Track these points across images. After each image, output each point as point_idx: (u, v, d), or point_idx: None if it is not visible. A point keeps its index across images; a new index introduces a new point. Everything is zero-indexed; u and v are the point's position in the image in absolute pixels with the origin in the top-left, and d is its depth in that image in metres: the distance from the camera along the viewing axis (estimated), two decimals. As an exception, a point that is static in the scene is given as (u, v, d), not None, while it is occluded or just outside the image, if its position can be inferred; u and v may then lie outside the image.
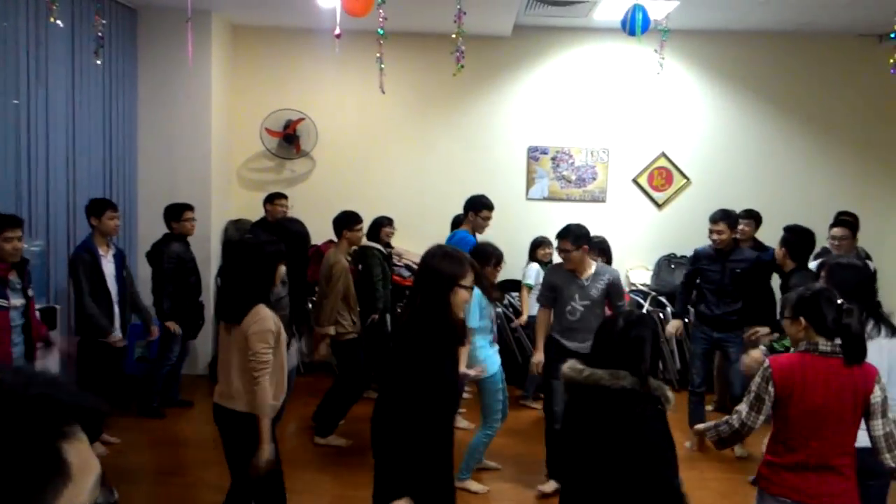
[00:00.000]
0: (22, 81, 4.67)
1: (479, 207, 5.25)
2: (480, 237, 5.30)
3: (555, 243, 4.45)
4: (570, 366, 2.29)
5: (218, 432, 3.04)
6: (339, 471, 4.48)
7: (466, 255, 2.68)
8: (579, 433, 2.28)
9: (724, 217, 4.95)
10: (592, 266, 4.23)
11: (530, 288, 5.91)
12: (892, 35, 4.37)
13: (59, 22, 3.75)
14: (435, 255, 2.50)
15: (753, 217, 5.68)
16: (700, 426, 2.73)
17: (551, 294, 4.27)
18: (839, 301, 2.49)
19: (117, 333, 4.66)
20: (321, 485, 4.34)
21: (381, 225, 5.88)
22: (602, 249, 5.22)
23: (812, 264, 4.88)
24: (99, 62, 5.02)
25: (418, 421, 2.34)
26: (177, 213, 5.26)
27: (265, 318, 2.89)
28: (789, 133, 6.94)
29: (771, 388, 2.45)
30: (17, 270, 3.83)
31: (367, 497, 2.57)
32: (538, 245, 6.05)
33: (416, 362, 2.38)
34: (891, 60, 4.48)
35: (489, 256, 4.21)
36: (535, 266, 5.94)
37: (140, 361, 5.64)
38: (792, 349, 2.62)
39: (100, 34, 4.64)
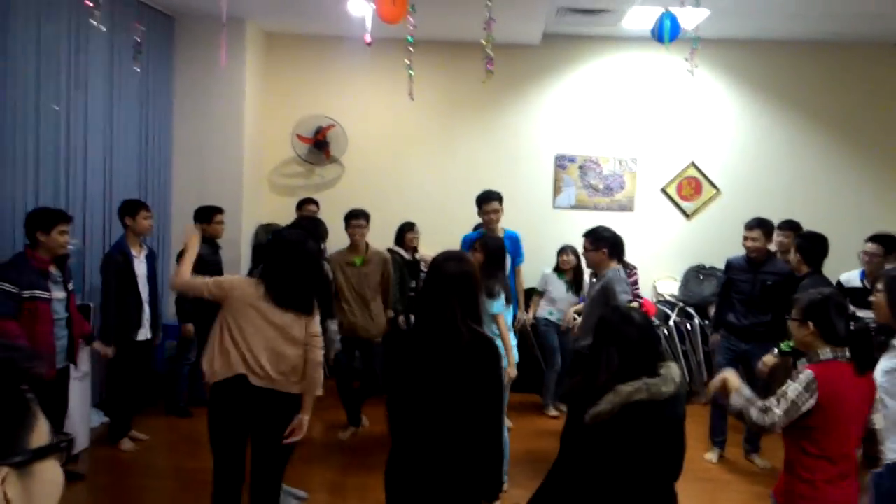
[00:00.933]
0: (62, 86, 4.81)
1: (478, 203, 5.18)
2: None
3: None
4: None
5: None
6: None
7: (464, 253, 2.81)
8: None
9: (759, 225, 4.85)
10: (609, 268, 4.28)
11: (539, 293, 6.03)
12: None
13: (101, 26, 3.85)
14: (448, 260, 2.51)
15: (793, 228, 5.38)
16: (734, 383, 2.54)
17: None
18: (850, 310, 2.49)
19: (111, 350, 4.66)
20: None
21: (405, 231, 6.01)
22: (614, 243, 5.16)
23: (845, 276, 4.80)
24: (137, 68, 5.15)
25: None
26: (207, 216, 5.37)
27: None
28: (820, 143, 6.85)
29: (812, 399, 2.37)
30: (58, 264, 3.94)
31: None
32: (559, 253, 6.03)
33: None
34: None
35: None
36: (547, 272, 6.03)
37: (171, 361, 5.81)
38: (804, 356, 2.61)
39: (138, 40, 4.77)
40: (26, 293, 3.72)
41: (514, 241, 5.25)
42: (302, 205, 6.22)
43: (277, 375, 3.13)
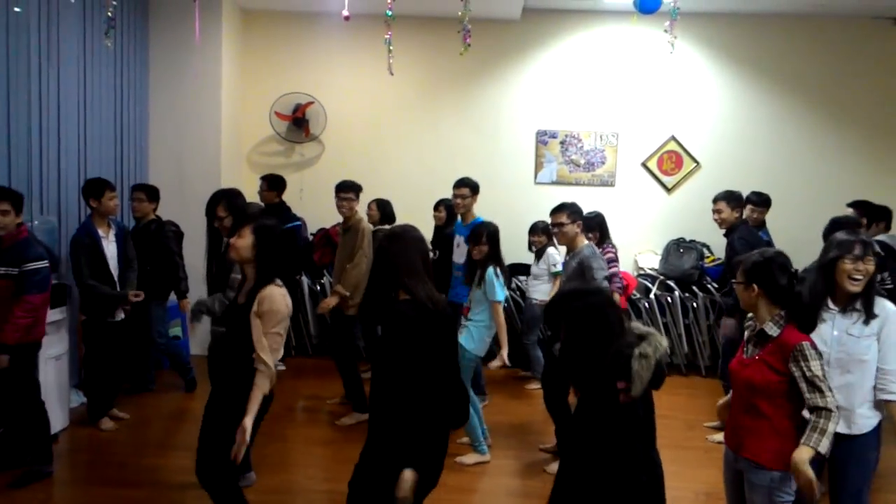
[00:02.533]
0: (34, 62, 4.72)
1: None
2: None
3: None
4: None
5: None
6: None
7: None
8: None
9: (723, 197, 4.99)
10: (583, 244, 4.26)
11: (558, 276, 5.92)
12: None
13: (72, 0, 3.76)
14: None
15: (757, 201, 5.67)
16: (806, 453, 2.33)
17: None
18: (793, 269, 2.48)
19: (120, 314, 4.71)
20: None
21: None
22: (598, 224, 5.25)
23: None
24: (109, 44, 5.05)
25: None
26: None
27: None
28: (801, 116, 6.88)
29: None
30: None
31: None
32: (530, 233, 5.97)
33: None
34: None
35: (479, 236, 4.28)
36: (554, 251, 5.80)
37: (174, 339, 5.98)
38: (749, 317, 2.62)
39: (110, 15, 4.67)
40: None
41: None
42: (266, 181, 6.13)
43: None
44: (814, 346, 2.40)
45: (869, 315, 2.67)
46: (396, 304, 2.44)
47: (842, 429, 2.63)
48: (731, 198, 4.99)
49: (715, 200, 5.03)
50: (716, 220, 5.02)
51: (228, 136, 6.59)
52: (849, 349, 2.69)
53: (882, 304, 2.72)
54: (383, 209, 5.88)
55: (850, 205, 5.15)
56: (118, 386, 5.00)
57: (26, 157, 4.67)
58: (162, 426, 4.95)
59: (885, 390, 2.67)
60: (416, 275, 2.44)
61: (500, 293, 4.16)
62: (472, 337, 4.22)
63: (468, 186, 5.06)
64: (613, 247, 5.32)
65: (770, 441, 2.45)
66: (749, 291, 2.52)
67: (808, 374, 2.36)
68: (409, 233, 2.54)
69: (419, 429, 2.34)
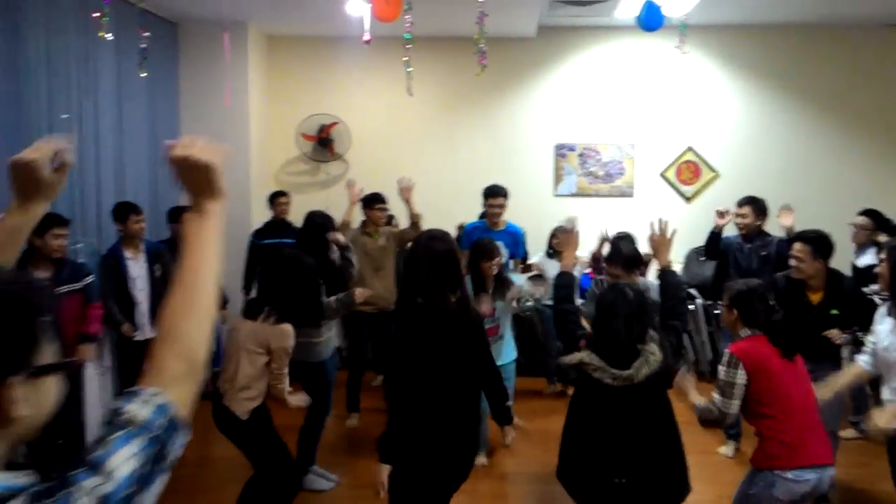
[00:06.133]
0: (73, 96, 4.99)
1: (484, 196, 5.33)
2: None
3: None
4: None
5: None
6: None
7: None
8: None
9: (749, 202, 5.04)
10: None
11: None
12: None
13: (108, 36, 4.00)
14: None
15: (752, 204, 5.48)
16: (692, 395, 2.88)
17: None
18: (771, 301, 2.74)
19: (127, 326, 4.76)
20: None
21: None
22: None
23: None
24: (143, 74, 5.31)
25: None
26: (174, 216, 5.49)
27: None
28: (818, 124, 6.93)
29: (741, 370, 2.70)
30: (58, 267, 4.10)
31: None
32: (552, 236, 6.00)
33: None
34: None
35: (483, 251, 4.10)
36: (539, 257, 6.01)
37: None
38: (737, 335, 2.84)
39: (143, 46, 4.92)
40: None
41: (514, 235, 5.38)
42: (274, 197, 6.25)
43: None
44: (731, 355, 2.69)
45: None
46: (413, 307, 2.60)
47: None
48: (756, 204, 5.02)
49: (740, 204, 5.05)
50: (738, 224, 5.04)
51: (257, 158, 6.83)
52: None
53: None
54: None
55: (861, 213, 5.19)
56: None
57: (68, 184, 4.91)
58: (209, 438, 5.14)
59: None
60: (439, 280, 2.58)
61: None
62: (510, 348, 4.29)
63: (505, 196, 5.25)
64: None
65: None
66: (730, 314, 2.82)
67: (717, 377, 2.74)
68: (439, 238, 2.69)
69: (403, 426, 2.52)
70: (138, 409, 0.95)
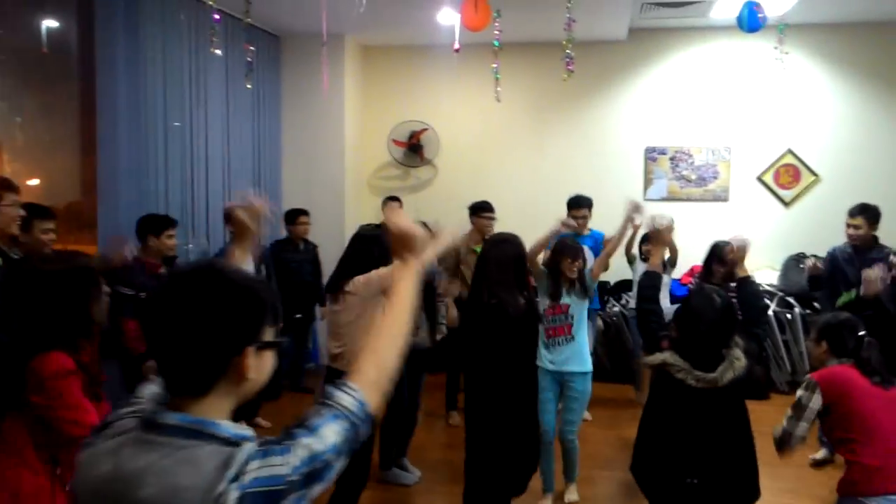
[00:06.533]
0: (186, 105, 5.41)
1: (568, 207, 5.44)
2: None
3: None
4: None
5: None
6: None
7: None
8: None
9: (861, 211, 4.65)
10: None
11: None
12: None
13: (218, 51, 4.32)
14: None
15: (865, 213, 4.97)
16: None
17: None
18: (861, 332, 2.65)
19: None
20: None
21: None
22: None
23: None
24: (249, 86, 5.68)
25: None
26: (291, 217, 5.85)
27: None
28: (930, 124, 6.53)
29: (817, 396, 2.65)
30: (168, 266, 4.39)
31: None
32: (642, 241, 5.78)
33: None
34: None
35: (566, 250, 3.95)
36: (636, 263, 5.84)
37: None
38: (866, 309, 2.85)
39: (249, 60, 5.27)
40: (142, 295, 4.12)
41: (597, 239, 5.41)
42: (295, 216, 6.08)
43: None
44: (812, 381, 2.64)
45: None
46: (483, 306, 2.71)
47: None
48: (869, 213, 4.62)
49: (852, 214, 4.67)
50: (851, 234, 4.65)
51: (351, 163, 7.13)
52: None
53: None
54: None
55: None
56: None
57: (180, 188, 5.34)
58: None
59: None
60: (505, 282, 2.69)
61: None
62: (586, 356, 3.95)
63: (588, 207, 5.41)
64: None
65: None
66: (819, 347, 2.78)
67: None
68: (508, 241, 2.80)
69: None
70: (344, 398, 1.21)
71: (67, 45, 4.97)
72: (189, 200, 5.46)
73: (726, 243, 4.79)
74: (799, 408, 2.64)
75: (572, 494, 4.11)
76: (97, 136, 4.62)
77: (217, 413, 1.16)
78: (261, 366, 1.21)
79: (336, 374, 3.35)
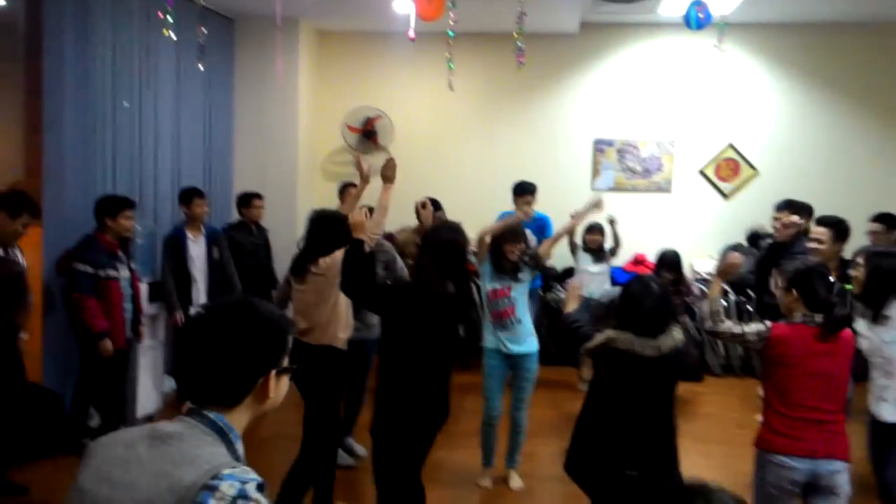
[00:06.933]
0: (135, 87, 5.34)
1: (513, 193, 5.57)
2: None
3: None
4: None
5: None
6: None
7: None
8: None
9: (787, 206, 4.94)
10: None
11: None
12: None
13: (172, 34, 4.27)
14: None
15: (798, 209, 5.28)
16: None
17: None
18: (831, 279, 2.73)
19: (179, 314, 5.08)
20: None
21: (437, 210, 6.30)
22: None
23: None
24: (201, 67, 5.62)
25: None
26: (244, 201, 5.88)
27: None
28: (861, 125, 6.89)
29: (760, 344, 2.75)
30: (122, 247, 4.42)
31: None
32: (587, 231, 6.15)
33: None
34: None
35: (508, 234, 4.02)
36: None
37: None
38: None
39: (201, 42, 5.22)
40: (101, 273, 4.21)
41: (540, 221, 5.64)
42: (248, 199, 6.12)
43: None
44: (767, 330, 2.71)
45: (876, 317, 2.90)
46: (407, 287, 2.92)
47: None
48: (794, 207, 4.88)
49: (780, 209, 4.95)
50: (777, 227, 4.85)
51: (304, 148, 7.13)
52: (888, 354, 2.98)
53: None
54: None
55: (874, 219, 5.03)
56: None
57: (128, 169, 5.28)
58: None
59: None
60: (433, 264, 2.80)
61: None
62: (531, 337, 4.09)
63: (531, 193, 5.53)
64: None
65: None
66: (789, 296, 2.75)
67: (752, 323, 2.86)
68: (446, 228, 2.92)
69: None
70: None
71: (14, 22, 4.84)
72: (137, 183, 5.40)
73: (673, 252, 5.11)
74: (743, 330, 2.78)
75: (516, 481, 4.25)
76: (43, 116, 4.52)
77: (237, 424, 1.35)
78: (279, 387, 1.41)
79: (305, 348, 3.50)
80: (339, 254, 3.30)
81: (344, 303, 3.56)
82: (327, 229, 3.58)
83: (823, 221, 4.17)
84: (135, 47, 5.31)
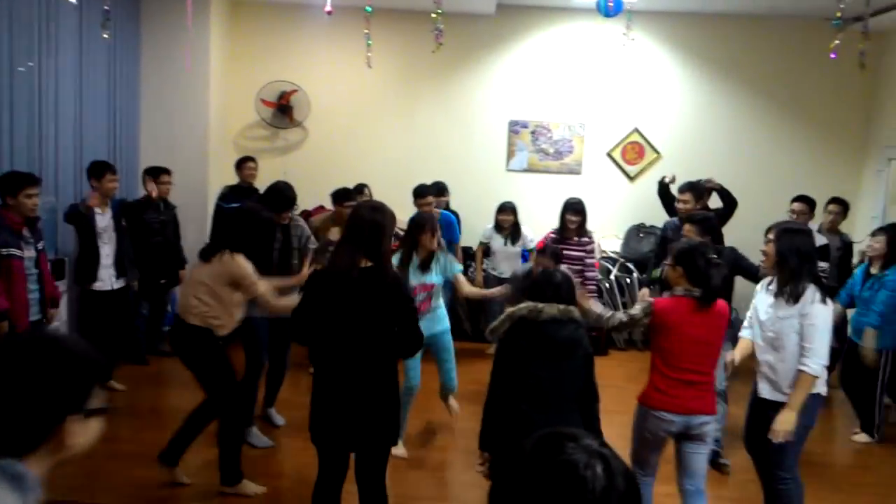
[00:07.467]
0: (34, 55, 5.04)
1: (413, 196, 5.53)
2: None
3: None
4: None
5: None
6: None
7: None
8: None
9: (689, 188, 5.24)
10: None
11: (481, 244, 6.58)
12: (836, 21, 4.74)
13: (73, 0, 4.07)
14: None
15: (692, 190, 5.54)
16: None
17: None
18: (712, 256, 3.07)
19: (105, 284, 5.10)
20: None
21: (359, 192, 6.28)
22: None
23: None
24: (106, 35, 5.36)
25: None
26: (152, 176, 5.71)
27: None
28: (757, 110, 7.34)
29: (646, 319, 3.12)
30: (29, 226, 4.22)
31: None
32: (499, 211, 6.35)
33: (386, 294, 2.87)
34: (831, 45, 4.85)
35: (422, 224, 4.14)
36: (527, 231, 6.44)
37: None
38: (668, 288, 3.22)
39: (106, 7, 4.98)
40: (3, 251, 4.00)
41: (446, 219, 5.81)
42: (241, 163, 6.33)
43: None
44: (649, 306, 3.10)
45: (794, 296, 3.10)
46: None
47: (777, 396, 3.17)
48: (695, 190, 5.20)
49: (682, 190, 5.24)
50: (680, 208, 5.19)
51: (216, 122, 6.93)
52: (777, 328, 3.16)
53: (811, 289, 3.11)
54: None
55: (795, 199, 5.52)
56: (113, 356, 5.36)
57: (26, 142, 5.00)
58: (153, 393, 5.33)
59: (802, 363, 3.08)
60: (354, 246, 2.82)
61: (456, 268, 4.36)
62: (443, 319, 4.32)
63: (433, 194, 5.65)
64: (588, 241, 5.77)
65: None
66: (675, 271, 3.12)
67: (636, 306, 3.25)
68: (370, 208, 2.93)
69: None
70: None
71: None
72: (36, 155, 5.13)
73: (576, 200, 5.50)
74: (631, 314, 3.18)
75: (455, 404, 4.61)
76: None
77: (35, 470, 1.19)
78: (85, 430, 1.25)
79: (194, 330, 3.60)
80: (241, 260, 3.56)
81: (233, 303, 3.66)
82: (244, 228, 3.68)
83: (690, 219, 4.32)
84: (34, 7, 5.01)
